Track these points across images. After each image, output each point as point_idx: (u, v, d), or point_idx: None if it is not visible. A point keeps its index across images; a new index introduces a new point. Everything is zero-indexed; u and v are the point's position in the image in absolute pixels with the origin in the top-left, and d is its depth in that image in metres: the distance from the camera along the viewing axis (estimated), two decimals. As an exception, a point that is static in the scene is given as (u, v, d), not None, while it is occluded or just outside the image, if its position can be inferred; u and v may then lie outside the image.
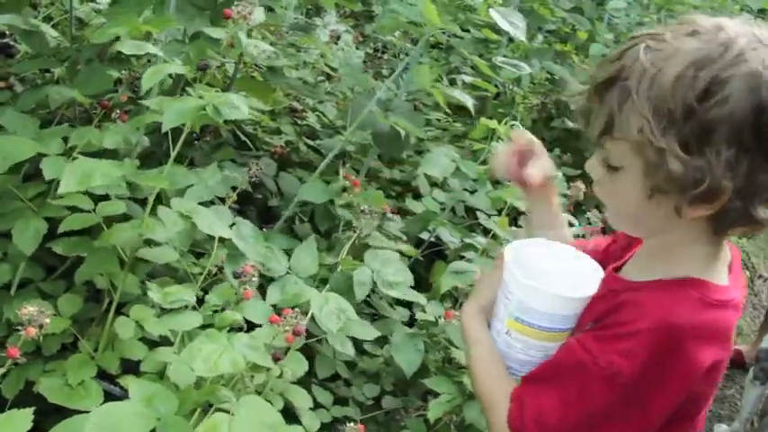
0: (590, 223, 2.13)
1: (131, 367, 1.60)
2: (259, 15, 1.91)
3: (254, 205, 2.56)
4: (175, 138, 1.78)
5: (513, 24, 2.16)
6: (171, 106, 1.56)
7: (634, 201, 1.00)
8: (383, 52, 3.74)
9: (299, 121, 2.83)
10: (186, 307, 1.65)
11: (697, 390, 1.03)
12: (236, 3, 1.89)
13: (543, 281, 1.10)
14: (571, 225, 2.20)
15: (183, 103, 1.58)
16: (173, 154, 1.70)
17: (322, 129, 2.84)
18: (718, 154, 0.92)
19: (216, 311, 1.70)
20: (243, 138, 2.43)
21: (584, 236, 2.11)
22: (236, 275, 1.79)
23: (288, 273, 1.91)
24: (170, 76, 1.89)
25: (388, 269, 1.97)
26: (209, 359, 1.42)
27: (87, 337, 1.59)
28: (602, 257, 1.20)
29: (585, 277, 1.12)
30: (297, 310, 1.67)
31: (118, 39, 2.00)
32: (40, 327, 1.15)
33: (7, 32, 2.28)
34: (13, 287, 1.70)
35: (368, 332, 1.88)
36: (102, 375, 1.55)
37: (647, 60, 0.94)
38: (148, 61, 2.06)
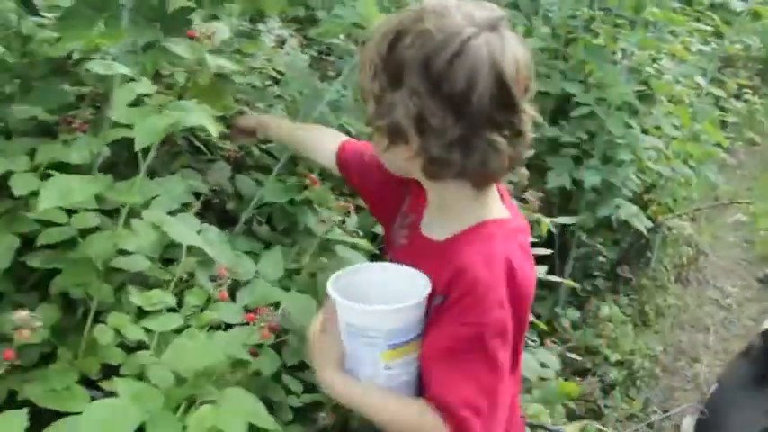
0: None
1: (109, 372, 1.64)
2: (222, 33, 1.97)
3: (212, 210, 2.60)
4: (142, 151, 1.81)
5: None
6: (142, 125, 1.59)
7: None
8: (328, 54, 3.80)
9: (251, 126, 2.88)
10: (162, 310, 1.71)
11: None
12: (195, 24, 1.95)
13: (384, 300, 1.19)
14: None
15: (153, 121, 1.60)
16: (143, 168, 1.74)
17: (274, 132, 2.89)
18: (403, 97, 1.12)
19: (194, 312, 1.77)
20: (197, 144, 2.48)
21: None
22: (213, 279, 1.85)
23: (255, 276, 1.97)
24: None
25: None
26: (190, 357, 1.49)
27: (65, 345, 1.63)
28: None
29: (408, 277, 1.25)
30: (271, 308, 1.75)
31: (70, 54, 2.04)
32: (33, 330, 1.20)
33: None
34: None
35: None
36: (83, 381, 1.59)
37: (386, 22, 1.18)
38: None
